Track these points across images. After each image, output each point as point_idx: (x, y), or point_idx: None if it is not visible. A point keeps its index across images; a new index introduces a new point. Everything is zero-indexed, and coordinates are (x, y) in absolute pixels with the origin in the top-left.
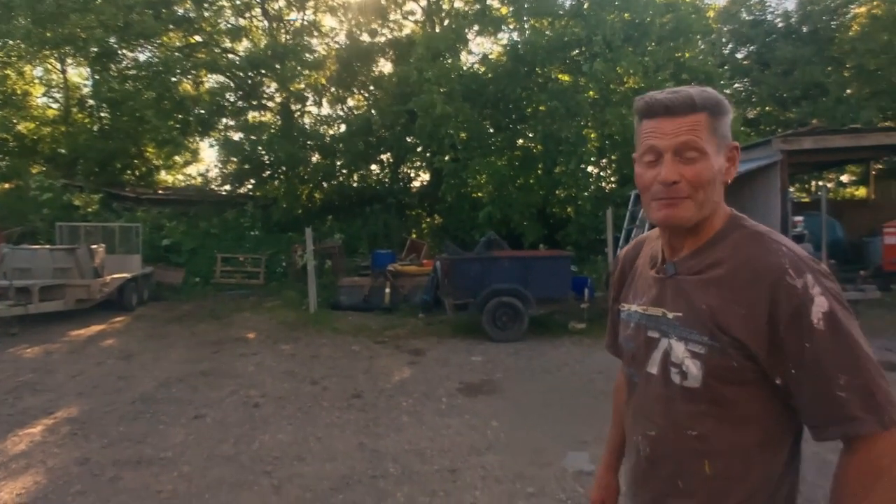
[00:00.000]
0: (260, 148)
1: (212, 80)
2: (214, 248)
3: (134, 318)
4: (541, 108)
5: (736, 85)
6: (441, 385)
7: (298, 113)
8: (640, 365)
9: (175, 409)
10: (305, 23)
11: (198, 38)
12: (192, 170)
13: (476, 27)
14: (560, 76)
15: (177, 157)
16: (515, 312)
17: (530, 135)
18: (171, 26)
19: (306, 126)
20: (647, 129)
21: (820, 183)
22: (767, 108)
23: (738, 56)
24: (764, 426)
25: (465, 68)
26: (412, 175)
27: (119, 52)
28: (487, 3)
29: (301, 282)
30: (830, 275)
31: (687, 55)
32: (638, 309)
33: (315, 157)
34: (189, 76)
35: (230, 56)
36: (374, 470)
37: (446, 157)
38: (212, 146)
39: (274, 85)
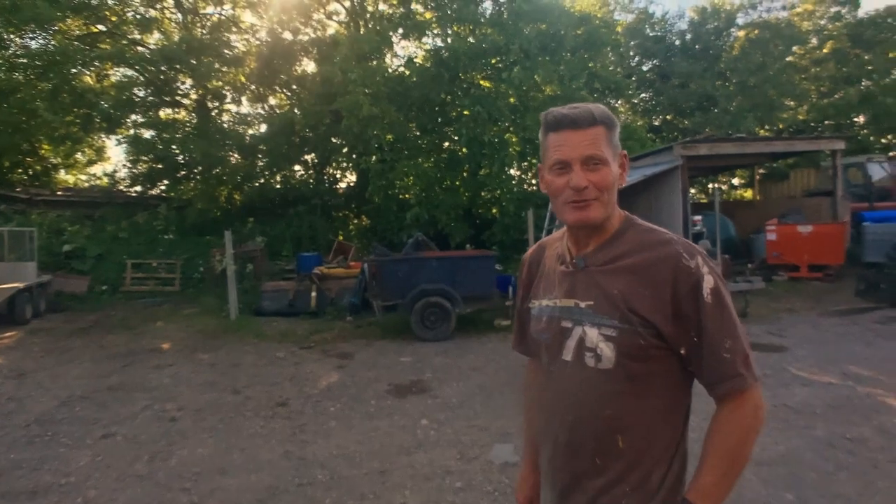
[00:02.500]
0: (174, 147)
1: (118, 74)
2: (123, 254)
3: (28, 333)
4: (465, 112)
5: (642, 95)
6: (370, 388)
7: (216, 111)
8: (555, 354)
9: (79, 429)
10: (223, 18)
11: (101, 27)
12: (96, 169)
13: (400, 31)
14: (482, 82)
15: (78, 156)
16: (444, 312)
17: (455, 138)
18: (70, 13)
19: (225, 125)
20: (556, 142)
21: (714, 185)
22: (668, 117)
23: (644, 69)
24: (666, 397)
25: (390, 71)
26: (338, 176)
27: (5, 37)
28: (412, 7)
29: (220, 287)
30: (711, 257)
31: (598, 66)
32: (549, 303)
33: (234, 157)
34: (92, 68)
35: (139, 49)
36: (302, 478)
37: (373, 159)
38: (119, 144)
39: (189, 81)
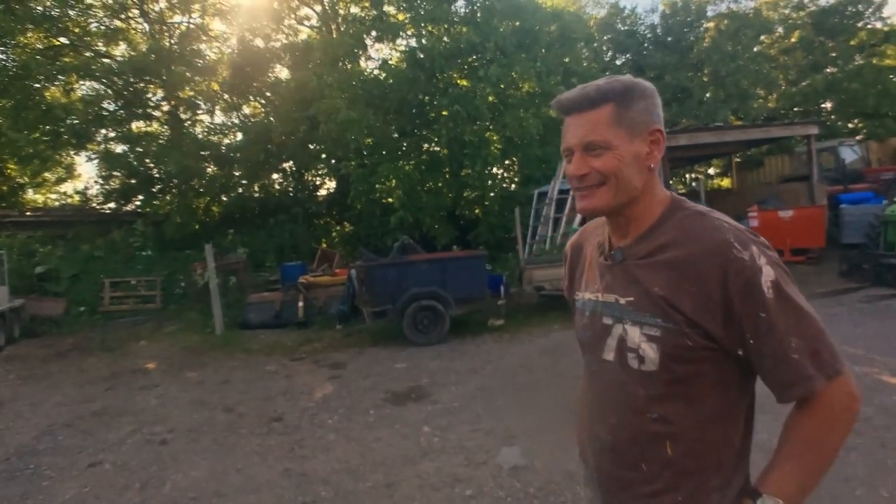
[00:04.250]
0: (147, 160)
1: (85, 87)
2: (100, 273)
3: (2, 360)
4: (443, 112)
5: None
6: (366, 397)
7: (189, 122)
8: (597, 352)
9: (63, 459)
10: (192, 26)
11: (64, 39)
12: (67, 187)
13: (374, 33)
14: (459, 81)
15: (47, 174)
16: (436, 315)
17: (435, 139)
18: (30, 25)
19: (199, 135)
20: (565, 128)
21: (693, 175)
22: None
23: (618, 63)
24: (720, 401)
25: (366, 74)
26: (317, 183)
27: None
28: (384, 9)
29: (203, 302)
30: (769, 244)
31: (573, 61)
32: (591, 297)
33: (210, 168)
34: (56, 82)
35: (105, 61)
36: (305, 496)
37: (353, 164)
38: (90, 160)
39: (160, 92)
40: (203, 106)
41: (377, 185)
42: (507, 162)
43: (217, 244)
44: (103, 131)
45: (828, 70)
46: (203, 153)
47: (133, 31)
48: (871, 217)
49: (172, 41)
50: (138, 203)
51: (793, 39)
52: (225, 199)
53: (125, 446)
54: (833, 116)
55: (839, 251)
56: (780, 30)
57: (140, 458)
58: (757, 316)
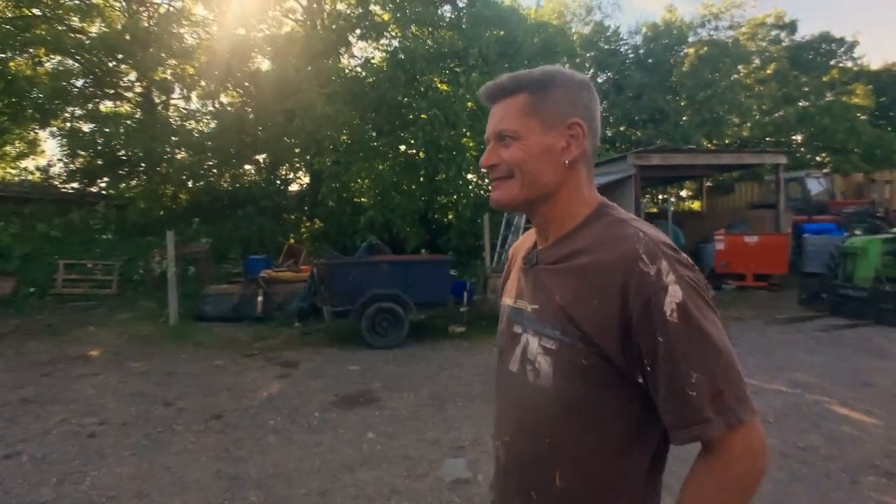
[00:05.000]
0: (114, 142)
1: (54, 62)
2: (55, 254)
3: None
4: (422, 115)
5: None
6: (314, 399)
7: (162, 105)
8: (505, 362)
9: None
10: (173, 9)
11: (36, 10)
12: (29, 163)
13: (358, 31)
14: (440, 85)
15: (7, 148)
16: (395, 318)
17: (412, 141)
18: None
19: (172, 120)
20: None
21: (665, 196)
22: (622, 128)
23: (599, 80)
24: (622, 432)
25: (346, 71)
26: (290, 177)
27: None
28: (370, 8)
29: (160, 291)
30: (691, 264)
31: None
32: (509, 302)
33: (181, 155)
34: (24, 54)
35: (79, 36)
36: (232, 499)
37: (327, 160)
38: (55, 137)
39: (134, 73)
40: (178, 91)
41: (350, 184)
42: (483, 170)
43: (181, 232)
44: (71, 109)
45: (800, 103)
46: (174, 138)
47: (110, 9)
48: (832, 248)
49: (151, 22)
50: (103, 185)
51: (768, 71)
52: (193, 186)
53: (49, 437)
54: (802, 148)
55: (800, 279)
56: (757, 61)
57: (63, 451)
58: (655, 340)
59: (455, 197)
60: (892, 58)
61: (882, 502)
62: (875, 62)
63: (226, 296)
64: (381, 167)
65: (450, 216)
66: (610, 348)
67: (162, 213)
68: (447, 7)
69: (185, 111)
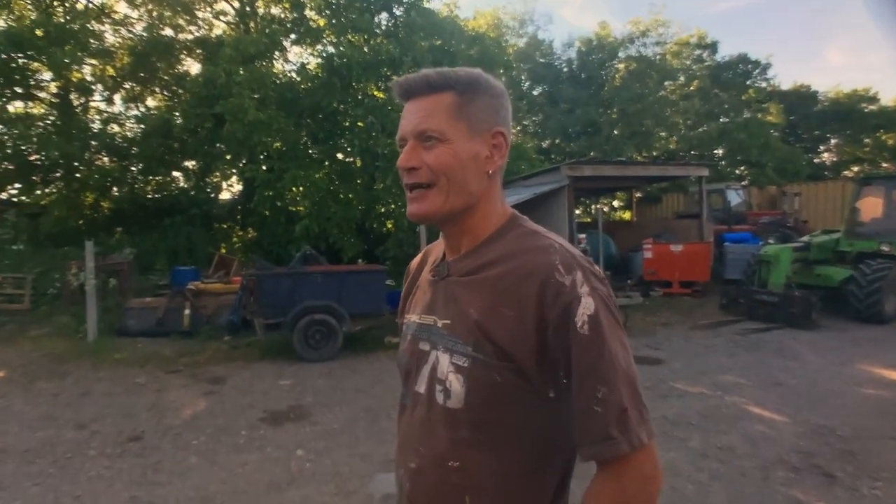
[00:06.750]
0: (22, 145)
1: None
2: None
3: None
4: (359, 123)
5: (533, 118)
6: (242, 416)
7: (80, 107)
8: (411, 384)
9: None
10: (91, 6)
11: None
12: None
13: (293, 36)
14: (376, 93)
15: None
16: (329, 330)
17: (349, 149)
18: None
19: (92, 124)
20: (402, 116)
21: (596, 206)
22: (556, 140)
23: (534, 93)
24: (531, 453)
25: (280, 76)
26: (222, 185)
27: None
28: (305, 13)
29: (79, 305)
30: (602, 276)
31: None
32: (415, 318)
33: (103, 160)
34: None
35: None
36: None
37: (261, 168)
38: None
39: (48, 72)
40: (98, 93)
41: (284, 192)
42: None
43: (102, 242)
44: None
45: (721, 119)
46: (94, 143)
47: (20, 1)
48: (749, 256)
49: (67, 17)
50: (13, 192)
51: (692, 88)
52: (116, 193)
53: None
54: (723, 162)
55: (721, 286)
56: (682, 78)
57: None
58: (569, 351)
59: (393, 206)
60: (800, 80)
61: (790, 496)
62: (786, 83)
63: (150, 309)
64: (316, 175)
65: (388, 225)
66: (525, 362)
67: (81, 222)
68: (384, 14)
69: (107, 114)
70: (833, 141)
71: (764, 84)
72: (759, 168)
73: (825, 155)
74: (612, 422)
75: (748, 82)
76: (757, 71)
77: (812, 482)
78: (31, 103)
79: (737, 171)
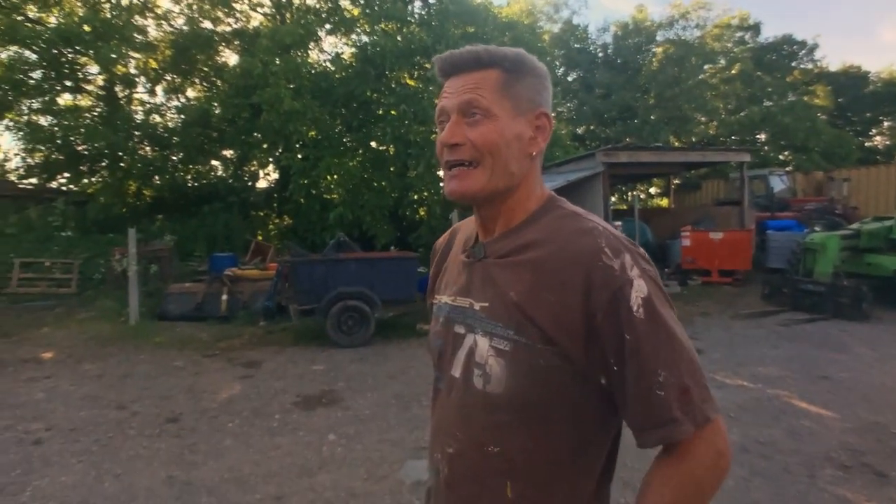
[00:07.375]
0: (71, 136)
1: (10, 52)
2: (10, 252)
3: None
4: (391, 111)
5: (567, 104)
6: (275, 400)
7: (125, 99)
8: (446, 367)
9: None
10: (136, 1)
11: None
12: None
13: (328, 26)
14: (409, 81)
15: None
16: (362, 316)
17: (382, 137)
18: None
19: (136, 114)
20: (442, 92)
21: (633, 193)
22: (591, 126)
23: (569, 79)
24: (576, 437)
25: (315, 66)
26: (259, 173)
27: None
28: (340, 3)
29: (121, 290)
30: (648, 258)
31: None
32: (448, 300)
33: (145, 150)
34: None
35: (37, 27)
36: None
37: (297, 156)
38: (9, 130)
39: (95, 66)
40: (142, 85)
41: (319, 180)
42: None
43: (144, 229)
44: (28, 102)
45: (764, 103)
46: (137, 133)
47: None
48: (793, 244)
49: (114, 13)
50: (62, 181)
51: (734, 71)
52: (157, 181)
53: None
54: (766, 147)
55: (763, 274)
56: (723, 61)
57: (4, 460)
58: (622, 337)
59: (426, 193)
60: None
61: (837, 495)
62: (834, 64)
63: (189, 294)
64: (350, 163)
65: (421, 212)
66: (571, 348)
67: (124, 209)
68: (417, 3)
69: (149, 105)
70: (886, 124)
71: (810, 65)
72: (806, 153)
73: (877, 138)
74: (675, 404)
75: (793, 64)
76: (803, 52)
77: (862, 481)
78: (79, 96)
79: (780, 157)
